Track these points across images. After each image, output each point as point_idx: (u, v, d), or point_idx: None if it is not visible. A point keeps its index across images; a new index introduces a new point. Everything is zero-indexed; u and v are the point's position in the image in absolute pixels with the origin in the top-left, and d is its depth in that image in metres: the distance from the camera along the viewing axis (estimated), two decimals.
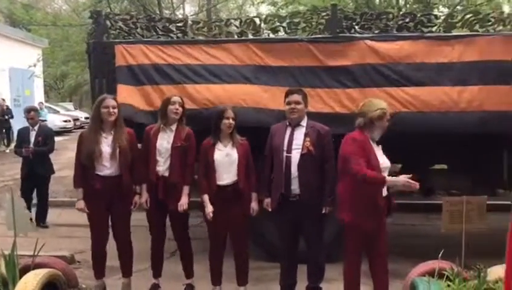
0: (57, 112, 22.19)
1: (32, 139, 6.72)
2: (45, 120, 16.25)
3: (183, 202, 4.10)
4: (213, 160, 4.00)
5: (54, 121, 19.69)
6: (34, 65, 13.28)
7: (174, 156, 4.10)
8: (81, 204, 4.14)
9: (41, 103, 17.48)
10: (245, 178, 4.04)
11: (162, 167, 4.13)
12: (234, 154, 4.01)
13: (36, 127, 6.84)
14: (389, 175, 3.60)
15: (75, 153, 4.17)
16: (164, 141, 4.14)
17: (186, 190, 4.12)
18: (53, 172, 7.04)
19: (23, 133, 6.88)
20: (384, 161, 3.57)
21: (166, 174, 4.12)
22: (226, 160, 3.99)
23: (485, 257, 4.05)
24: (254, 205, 4.10)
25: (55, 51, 15.21)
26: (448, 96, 4.72)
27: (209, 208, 4.00)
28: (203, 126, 4.21)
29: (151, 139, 4.17)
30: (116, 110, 4.09)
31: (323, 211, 3.87)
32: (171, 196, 4.11)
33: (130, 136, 4.18)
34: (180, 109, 4.15)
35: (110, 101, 4.10)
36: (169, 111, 4.13)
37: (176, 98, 4.18)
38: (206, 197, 4.03)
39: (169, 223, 4.30)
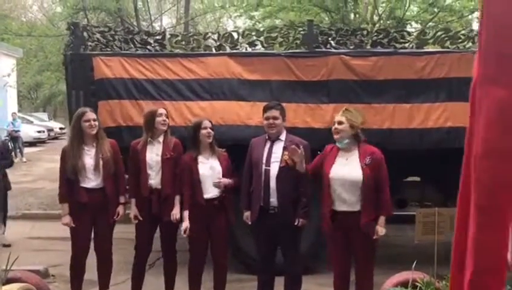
0: (30, 122, 21.78)
1: None
2: (18, 130, 15.95)
3: (176, 212, 4.10)
4: (198, 174, 4.03)
5: (28, 131, 19.35)
6: (8, 75, 13.06)
7: (166, 168, 4.11)
8: (67, 219, 4.11)
9: (15, 113, 17.10)
10: (228, 189, 4.11)
11: (154, 180, 4.14)
12: (218, 166, 4.07)
13: None
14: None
15: (59, 168, 4.14)
16: (153, 154, 4.15)
17: (177, 200, 4.13)
18: (10, 188, 6.49)
19: None
20: (338, 172, 3.61)
21: (159, 187, 4.13)
22: (211, 173, 4.04)
23: None
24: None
25: (30, 62, 14.98)
26: (417, 112, 4.87)
27: (185, 225, 4.04)
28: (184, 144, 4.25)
29: (140, 153, 4.16)
30: (96, 123, 4.11)
31: (296, 223, 3.92)
32: (165, 208, 4.12)
33: (113, 147, 4.19)
34: (167, 120, 4.20)
35: (90, 115, 4.11)
36: (157, 123, 4.14)
37: (162, 110, 4.22)
38: (186, 213, 4.07)
39: (158, 236, 4.30)
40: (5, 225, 6.16)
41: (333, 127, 3.68)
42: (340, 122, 3.63)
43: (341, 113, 3.68)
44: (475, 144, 1.08)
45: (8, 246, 5.30)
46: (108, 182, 4.11)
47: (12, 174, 6.66)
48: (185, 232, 4.05)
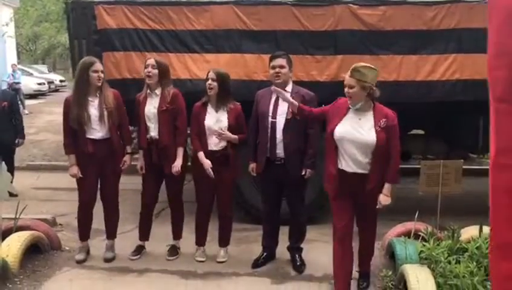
0: (30, 75, 21.56)
1: None
2: (19, 82, 15.81)
3: (177, 164, 4.13)
4: (204, 125, 4.04)
5: (28, 84, 19.18)
6: (7, 24, 12.82)
7: (162, 120, 4.09)
8: (74, 169, 4.12)
9: (15, 64, 16.86)
10: (234, 142, 4.09)
11: (153, 132, 4.15)
12: (224, 120, 4.04)
13: None
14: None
15: (62, 119, 4.11)
16: (151, 106, 4.13)
17: (180, 151, 4.15)
18: (23, 138, 6.45)
19: None
20: (350, 131, 3.29)
21: (158, 138, 4.14)
22: (217, 125, 4.02)
23: (458, 219, 4.22)
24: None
25: (28, 11, 14.67)
26: (424, 64, 4.80)
27: (207, 164, 4.04)
28: (190, 98, 4.21)
29: (140, 105, 4.17)
30: (103, 75, 4.07)
31: (303, 174, 3.94)
32: (165, 159, 4.14)
33: (116, 97, 4.16)
34: (154, 71, 4.08)
35: (99, 66, 4.07)
36: (145, 75, 4.11)
37: (150, 61, 4.13)
38: (201, 154, 4.07)
39: (165, 186, 4.34)
40: (12, 175, 6.15)
41: (345, 90, 3.30)
42: (350, 86, 3.23)
43: (349, 73, 3.25)
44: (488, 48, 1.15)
45: (16, 196, 5.35)
46: (113, 133, 4.12)
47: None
48: (208, 171, 4.05)
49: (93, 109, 4.04)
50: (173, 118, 4.13)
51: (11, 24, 14.61)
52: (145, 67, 4.11)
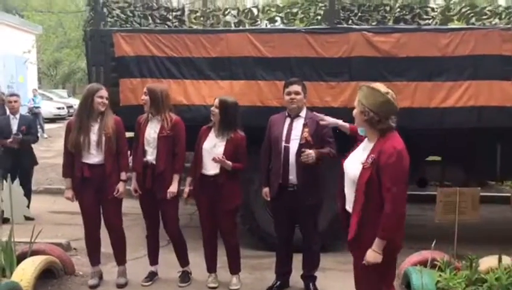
0: (50, 99, 22.02)
1: (15, 128, 6.27)
2: (39, 107, 16.15)
3: (173, 189, 4.11)
4: (201, 148, 4.08)
5: (48, 108, 19.59)
6: (29, 51, 13.18)
7: (161, 145, 4.11)
8: (69, 193, 4.17)
9: (35, 89, 17.27)
10: (227, 171, 4.02)
11: (150, 156, 4.15)
12: (221, 147, 4.03)
13: (17, 116, 6.38)
14: None
15: (64, 141, 4.18)
16: (152, 131, 4.16)
17: (175, 177, 4.15)
18: (37, 163, 6.73)
19: (4, 122, 6.38)
20: (348, 163, 2.91)
21: (155, 162, 4.14)
22: (213, 151, 4.03)
23: (477, 248, 4.13)
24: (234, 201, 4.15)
25: (50, 38, 15.11)
26: (439, 91, 4.79)
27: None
28: (204, 123, 4.24)
29: (141, 129, 4.20)
30: (107, 102, 4.13)
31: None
32: (159, 185, 4.12)
33: (117, 124, 4.18)
34: (145, 98, 4.14)
35: (104, 92, 4.12)
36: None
37: (144, 88, 4.23)
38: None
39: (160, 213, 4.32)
40: (29, 199, 6.15)
41: None
42: (355, 106, 2.86)
43: (358, 92, 2.86)
44: None
45: (32, 219, 5.40)
46: (108, 159, 4.10)
47: (34, 150, 6.77)
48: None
49: (92, 134, 4.07)
50: (172, 145, 4.14)
51: (33, 51, 15.01)
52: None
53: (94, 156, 4.08)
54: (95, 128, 4.08)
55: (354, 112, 2.85)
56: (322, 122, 3.64)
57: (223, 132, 4.05)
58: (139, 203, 4.34)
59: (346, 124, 3.34)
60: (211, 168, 4.04)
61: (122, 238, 4.35)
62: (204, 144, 4.08)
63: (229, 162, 3.97)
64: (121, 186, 4.16)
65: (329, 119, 3.57)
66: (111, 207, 4.21)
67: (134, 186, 4.24)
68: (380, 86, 2.79)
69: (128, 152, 4.37)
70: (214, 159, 3.95)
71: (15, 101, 6.42)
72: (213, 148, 4.03)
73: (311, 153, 3.72)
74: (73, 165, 4.11)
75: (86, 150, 4.04)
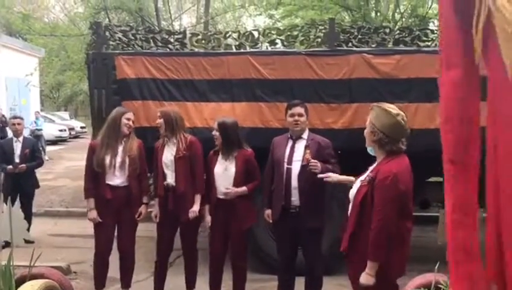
0: (52, 121, 22.14)
1: (18, 151, 6.20)
2: (41, 129, 16.21)
3: (195, 209, 4.12)
4: (213, 173, 4.08)
5: (50, 130, 19.67)
6: (31, 74, 13.29)
7: (179, 167, 4.13)
8: (94, 214, 4.16)
9: (38, 112, 17.38)
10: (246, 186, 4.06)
11: (170, 179, 4.17)
12: (232, 168, 4.05)
13: (21, 139, 6.31)
14: None
15: (86, 162, 4.20)
16: (169, 154, 4.18)
17: (197, 198, 4.16)
18: (38, 186, 6.66)
19: (7, 144, 6.31)
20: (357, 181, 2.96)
21: (175, 185, 4.16)
22: (225, 174, 4.04)
23: None
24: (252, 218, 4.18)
25: (52, 61, 15.21)
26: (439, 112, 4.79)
27: (207, 219, 4.08)
28: (208, 146, 4.25)
29: (158, 153, 4.23)
30: (133, 124, 4.23)
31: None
32: (181, 207, 4.13)
33: (140, 147, 4.26)
34: (159, 121, 4.18)
35: (131, 115, 4.24)
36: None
37: (157, 113, 4.27)
38: (206, 207, 4.13)
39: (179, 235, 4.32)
40: (29, 223, 6.03)
41: None
42: (366, 125, 2.87)
43: (370, 111, 2.88)
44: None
45: (32, 242, 5.36)
46: (133, 181, 4.16)
47: (35, 172, 6.76)
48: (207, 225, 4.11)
49: (117, 156, 4.11)
50: (190, 165, 4.16)
51: (35, 73, 15.14)
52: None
53: (117, 178, 4.12)
54: (119, 150, 4.13)
55: (365, 131, 2.86)
56: (326, 179, 3.53)
57: (228, 153, 4.07)
58: (157, 228, 4.32)
59: (351, 178, 3.23)
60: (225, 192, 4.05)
61: (132, 261, 4.35)
62: (215, 168, 4.09)
63: (243, 188, 4.01)
64: (143, 209, 4.22)
65: (333, 177, 3.48)
66: (128, 230, 4.24)
67: (156, 211, 4.24)
68: (392, 108, 2.80)
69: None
70: (227, 195, 3.98)
71: (18, 124, 6.37)
72: (225, 171, 4.05)
73: (317, 162, 3.68)
74: (96, 186, 4.14)
75: (110, 172, 4.08)
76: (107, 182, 4.10)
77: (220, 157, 4.12)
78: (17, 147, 6.25)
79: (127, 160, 4.11)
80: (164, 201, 4.20)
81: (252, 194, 4.14)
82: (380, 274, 2.67)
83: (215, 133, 4.07)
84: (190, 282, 4.39)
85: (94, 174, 4.13)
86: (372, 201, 2.67)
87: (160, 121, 4.18)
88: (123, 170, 4.11)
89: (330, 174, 3.51)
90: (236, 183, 4.03)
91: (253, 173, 4.11)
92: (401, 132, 2.74)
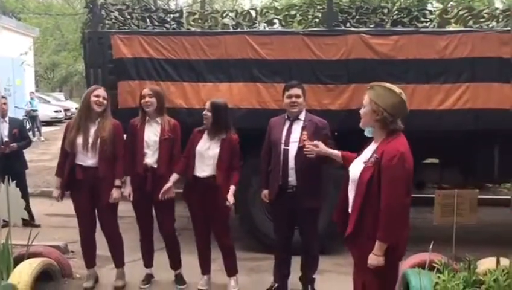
0: (47, 102, 22.00)
1: (6, 132, 6.03)
2: (36, 110, 16.13)
3: (167, 187, 4.05)
4: (194, 150, 4.07)
5: (45, 111, 19.56)
6: (26, 53, 13.14)
7: (163, 148, 4.11)
8: (56, 193, 4.18)
9: (33, 92, 17.24)
10: (224, 172, 4.02)
11: (151, 159, 4.14)
12: (216, 148, 4.03)
13: (7, 119, 6.15)
14: None
15: (62, 141, 4.18)
16: (151, 134, 4.14)
17: (173, 177, 4.12)
18: (27, 167, 6.50)
19: None
20: (355, 162, 2.92)
21: (155, 166, 4.13)
22: (206, 153, 4.03)
23: (474, 250, 4.13)
24: (230, 198, 4.00)
25: (47, 40, 15.07)
26: (436, 93, 4.80)
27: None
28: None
29: (138, 132, 4.16)
30: (105, 102, 4.10)
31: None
32: (159, 188, 4.09)
33: (116, 128, 4.14)
34: (151, 100, 4.11)
35: (101, 92, 4.11)
36: (143, 105, 4.14)
37: (145, 91, 4.18)
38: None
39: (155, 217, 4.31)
40: (27, 202, 5.80)
41: None
42: (363, 105, 2.82)
43: (367, 91, 2.83)
44: None
45: (31, 221, 5.34)
46: (102, 163, 4.05)
47: (31, 153, 6.74)
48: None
49: (89, 136, 4.04)
50: (171, 147, 4.15)
51: (30, 53, 14.99)
52: (142, 98, 4.14)
53: (88, 159, 4.06)
54: (92, 130, 4.06)
55: (362, 110, 2.82)
56: (315, 149, 3.46)
57: (215, 134, 4.05)
58: (133, 207, 4.32)
59: (337, 152, 3.28)
60: (202, 170, 4.05)
61: (119, 242, 4.34)
62: (198, 146, 4.07)
63: (232, 188, 4.00)
64: (114, 192, 4.10)
65: (322, 149, 3.42)
66: (105, 213, 4.19)
67: (129, 191, 4.20)
68: (393, 86, 2.77)
69: None
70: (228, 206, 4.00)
71: (4, 104, 6.21)
72: (207, 150, 4.04)
73: (318, 143, 3.49)
74: (68, 166, 4.09)
75: (81, 151, 4.03)
76: (77, 162, 4.05)
77: (205, 136, 4.10)
78: (4, 128, 6.11)
79: (98, 141, 4.03)
80: (142, 181, 4.14)
81: (229, 176, 4.06)
82: (387, 255, 2.68)
83: (207, 112, 4.05)
84: (173, 262, 4.40)
85: (67, 154, 4.09)
86: (379, 182, 2.64)
87: (152, 100, 4.11)
88: (94, 150, 4.03)
89: (319, 143, 3.43)
90: (218, 165, 4.01)
91: (235, 159, 4.08)
92: (404, 110, 2.73)
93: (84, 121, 4.06)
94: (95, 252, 4.37)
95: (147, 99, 4.12)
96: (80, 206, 4.16)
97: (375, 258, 2.67)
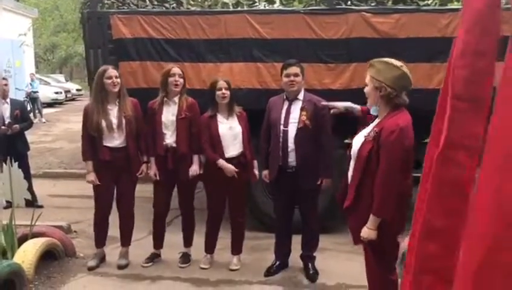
0: (47, 84, 21.93)
1: (7, 113, 6.01)
2: (37, 91, 16.10)
3: (195, 168, 4.18)
4: (218, 134, 4.06)
5: (46, 93, 19.53)
6: (25, 34, 13.06)
7: (180, 128, 4.14)
8: (92, 176, 4.18)
9: (33, 74, 17.18)
10: (249, 149, 4.15)
11: (170, 139, 4.18)
12: (237, 126, 4.09)
13: (8, 100, 6.11)
14: None
15: (82, 126, 4.18)
16: (169, 114, 4.17)
17: (196, 158, 4.21)
18: (29, 148, 6.46)
19: None
20: (358, 136, 2.94)
21: (175, 145, 4.17)
22: (230, 133, 4.06)
23: None
24: (256, 172, 4.21)
25: (46, 21, 14.94)
26: (442, 71, 4.76)
27: (231, 169, 4.04)
28: (204, 107, 4.23)
29: (156, 113, 4.19)
30: (119, 80, 4.11)
31: (319, 183, 3.93)
32: (181, 167, 4.17)
33: (135, 106, 4.21)
34: (181, 81, 4.16)
35: (112, 72, 4.10)
36: (169, 83, 4.14)
37: (176, 70, 4.18)
38: (221, 161, 4.05)
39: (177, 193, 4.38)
40: (30, 183, 5.61)
41: None
42: (366, 84, 2.83)
43: (368, 69, 2.82)
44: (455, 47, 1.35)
45: (34, 202, 5.37)
46: (130, 141, 4.15)
47: (32, 134, 6.76)
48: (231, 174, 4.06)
49: (112, 117, 4.08)
50: (190, 126, 4.17)
51: (29, 34, 14.89)
52: (170, 76, 4.13)
53: (115, 139, 4.11)
54: (113, 111, 4.11)
55: (366, 89, 2.81)
56: (333, 111, 3.59)
57: (230, 111, 4.10)
58: (154, 187, 4.37)
59: (357, 106, 3.33)
60: (232, 150, 4.08)
61: (132, 219, 4.41)
62: (219, 130, 4.06)
63: (255, 163, 4.21)
64: (144, 167, 4.24)
65: (339, 105, 3.53)
66: (128, 188, 4.28)
67: (155, 170, 4.25)
68: (393, 60, 2.76)
69: None
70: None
71: (5, 85, 6.17)
72: (229, 130, 4.08)
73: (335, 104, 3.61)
74: (93, 149, 4.13)
75: (106, 134, 4.06)
76: (105, 144, 4.09)
77: (220, 118, 4.10)
78: (6, 109, 6.09)
79: (124, 121, 4.09)
80: (163, 161, 4.21)
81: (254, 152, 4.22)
82: (381, 229, 2.72)
83: (226, 92, 4.03)
84: (188, 239, 4.47)
85: (91, 137, 4.12)
86: (377, 156, 2.66)
87: (181, 80, 4.15)
88: (120, 131, 4.10)
89: (334, 103, 3.54)
90: (244, 142, 4.09)
91: (249, 134, 4.18)
92: (407, 82, 2.72)
93: (102, 104, 4.08)
94: (107, 231, 4.42)
95: (177, 78, 4.14)
96: (103, 187, 4.20)
97: (366, 231, 2.73)
